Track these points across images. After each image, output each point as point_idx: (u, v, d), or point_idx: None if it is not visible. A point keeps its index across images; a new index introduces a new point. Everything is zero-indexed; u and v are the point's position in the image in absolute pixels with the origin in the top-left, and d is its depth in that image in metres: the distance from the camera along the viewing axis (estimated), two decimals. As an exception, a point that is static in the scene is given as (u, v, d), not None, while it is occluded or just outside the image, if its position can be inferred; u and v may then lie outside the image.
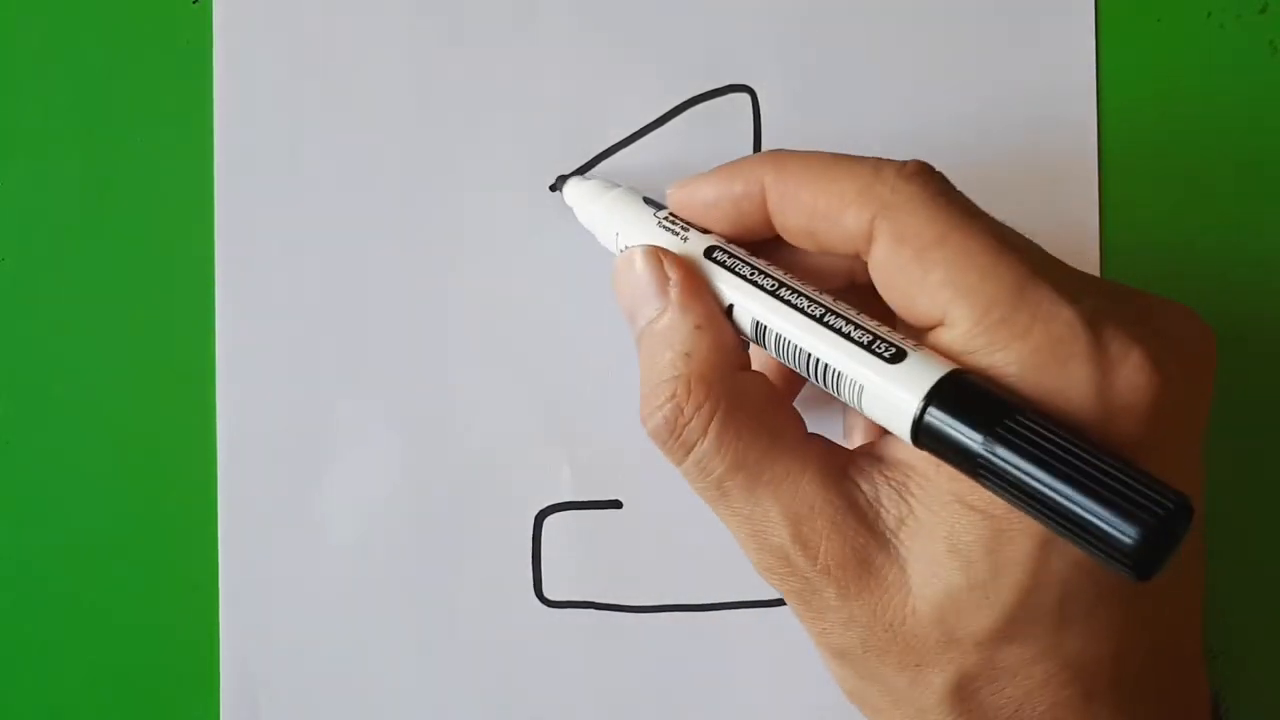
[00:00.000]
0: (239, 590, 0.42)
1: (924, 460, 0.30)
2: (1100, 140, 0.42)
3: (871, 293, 0.31)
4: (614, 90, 0.42)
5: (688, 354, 0.33)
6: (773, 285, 0.32)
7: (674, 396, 0.32)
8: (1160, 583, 0.25)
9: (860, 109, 0.42)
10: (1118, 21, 0.42)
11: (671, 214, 0.36)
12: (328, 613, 0.42)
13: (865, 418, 0.31)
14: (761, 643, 0.42)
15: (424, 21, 0.42)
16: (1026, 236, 0.31)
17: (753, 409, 0.32)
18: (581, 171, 0.42)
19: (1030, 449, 0.26)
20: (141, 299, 0.42)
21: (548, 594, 0.42)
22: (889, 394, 0.29)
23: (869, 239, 0.30)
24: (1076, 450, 0.26)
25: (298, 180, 0.42)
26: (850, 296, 0.32)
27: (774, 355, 0.33)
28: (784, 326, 0.32)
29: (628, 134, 0.42)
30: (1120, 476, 0.25)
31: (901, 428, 0.29)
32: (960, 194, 0.31)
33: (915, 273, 0.29)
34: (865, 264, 0.31)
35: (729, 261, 0.34)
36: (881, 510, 0.31)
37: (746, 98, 0.42)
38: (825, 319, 0.31)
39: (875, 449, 0.32)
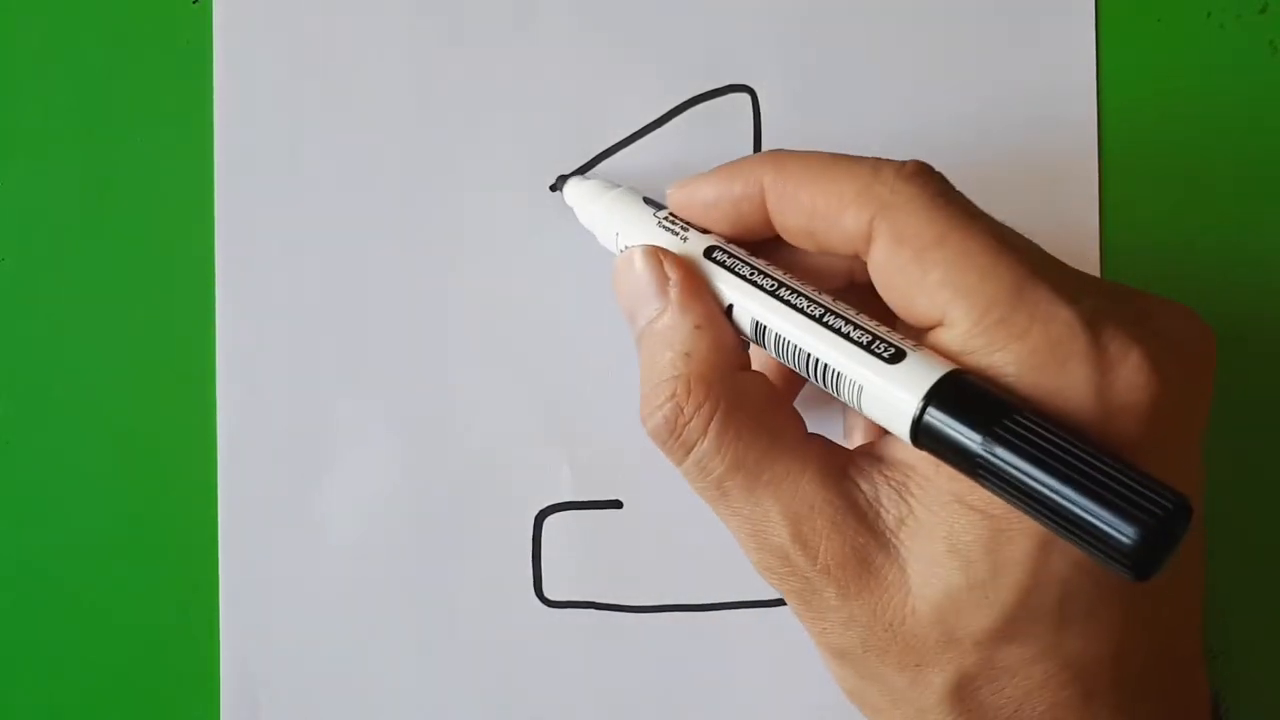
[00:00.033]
0: (239, 590, 0.42)
1: (924, 460, 0.30)
2: (1100, 140, 0.42)
3: (871, 293, 0.31)
4: (614, 90, 0.42)
5: (687, 354, 0.33)
6: (772, 285, 0.32)
7: (674, 396, 0.32)
8: (1160, 583, 0.26)
9: (860, 109, 0.42)
10: (1118, 21, 0.42)
11: (671, 214, 0.36)
12: (328, 613, 0.42)
13: (865, 418, 0.31)
14: (761, 643, 0.42)
15: (424, 21, 0.42)
16: (1026, 236, 0.31)
17: (752, 409, 0.32)
18: (581, 171, 0.42)
19: (1029, 449, 0.26)
20: (141, 299, 0.42)
21: (548, 594, 0.42)
22: (888, 394, 0.29)
23: (868, 239, 0.30)
24: (1075, 450, 0.26)
25: (298, 180, 0.42)
26: (850, 296, 0.32)
27: (773, 355, 0.33)
28: (783, 326, 0.32)
29: (628, 134, 0.42)
30: (1119, 477, 0.25)
31: (901, 428, 0.29)
32: (960, 194, 0.31)
33: (914, 273, 0.29)
34: (865, 264, 0.31)
35: (729, 261, 0.34)
36: (881, 510, 0.31)
37: (746, 98, 0.42)
38: (825, 319, 0.31)
39: (875, 449, 0.32)
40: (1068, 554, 0.28)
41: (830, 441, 0.33)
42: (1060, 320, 0.28)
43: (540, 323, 0.42)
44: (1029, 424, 0.26)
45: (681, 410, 0.32)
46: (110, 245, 0.42)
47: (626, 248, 0.36)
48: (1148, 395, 0.28)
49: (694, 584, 0.42)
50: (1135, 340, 0.28)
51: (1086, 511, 0.25)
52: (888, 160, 0.31)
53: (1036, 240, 0.31)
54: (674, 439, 0.32)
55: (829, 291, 0.32)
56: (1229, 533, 0.41)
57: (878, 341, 0.30)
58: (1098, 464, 0.26)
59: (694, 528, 0.41)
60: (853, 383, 0.30)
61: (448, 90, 0.42)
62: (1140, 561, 0.25)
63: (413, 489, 0.42)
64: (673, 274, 0.34)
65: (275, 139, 0.42)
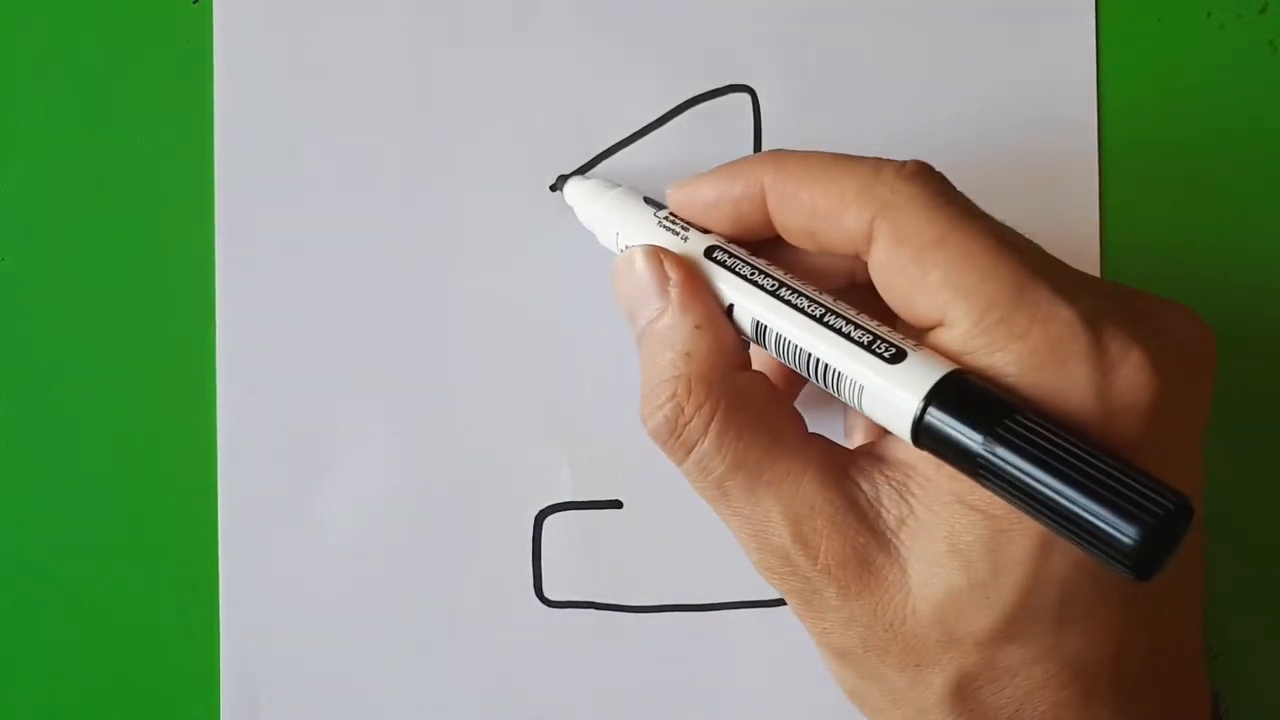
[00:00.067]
0: (239, 590, 0.42)
1: (924, 460, 0.30)
2: (1100, 140, 0.42)
3: (872, 292, 0.31)
4: (614, 90, 0.42)
5: (688, 354, 0.33)
6: (773, 285, 0.32)
7: (674, 396, 0.32)
8: (1160, 583, 0.26)
9: (860, 109, 0.42)
10: (1118, 21, 0.42)
11: (672, 214, 0.36)
12: (328, 613, 0.42)
13: (866, 417, 0.31)
14: (761, 643, 0.42)
15: (424, 21, 0.42)
16: (1026, 236, 0.31)
17: (753, 409, 0.32)
18: (581, 171, 0.42)
19: (1030, 449, 0.26)
20: (141, 299, 0.42)
21: (548, 594, 0.42)
22: (889, 394, 0.29)
23: (869, 239, 0.30)
24: (1076, 450, 0.26)
25: (298, 180, 0.42)
26: (850, 296, 0.32)
27: (774, 355, 0.33)
28: (784, 326, 0.32)
29: (628, 134, 0.42)
30: (1120, 477, 0.25)
31: (901, 428, 0.29)
32: (960, 194, 0.31)
33: (915, 273, 0.29)
34: (865, 264, 0.31)
35: (729, 261, 0.34)
36: (882, 510, 0.31)
37: (746, 98, 0.42)
38: (825, 319, 0.31)
39: (876, 449, 0.32)
40: (1068, 554, 0.28)
41: (831, 441, 0.33)
42: (1061, 320, 0.28)
43: (540, 323, 0.42)
44: (1030, 424, 0.26)
45: (682, 410, 0.32)
46: (110, 245, 0.42)
47: (627, 247, 0.36)
48: (1148, 395, 0.28)
49: (694, 584, 0.42)
50: (1136, 340, 0.28)
51: (1087, 511, 0.25)
52: (888, 160, 0.31)
53: (1036, 240, 0.31)
54: (674, 439, 0.32)
55: (830, 291, 0.32)
56: (1229, 533, 0.41)
57: (878, 341, 0.30)
58: (1098, 464, 0.26)
59: (694, 528, 0.41)
60: (853, 383, 0.30)
61: (448, 90, 0.42)
62: (1141, 561, 0.25)
63: (413, 489, 0.42)
64: (673, 274, 0.34)
65: (275, 139, 0.42)
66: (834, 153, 0.32)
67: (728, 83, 0.42)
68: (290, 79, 0.42)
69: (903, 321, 0.31)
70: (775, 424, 0.33)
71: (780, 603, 0.41)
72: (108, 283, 0.42)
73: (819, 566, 0.31)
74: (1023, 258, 0.29)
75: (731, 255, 0.34)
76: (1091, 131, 0.42)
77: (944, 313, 0.29)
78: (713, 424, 0.32)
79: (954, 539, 0.29)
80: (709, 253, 0.34)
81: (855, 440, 0.39)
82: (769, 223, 0.33)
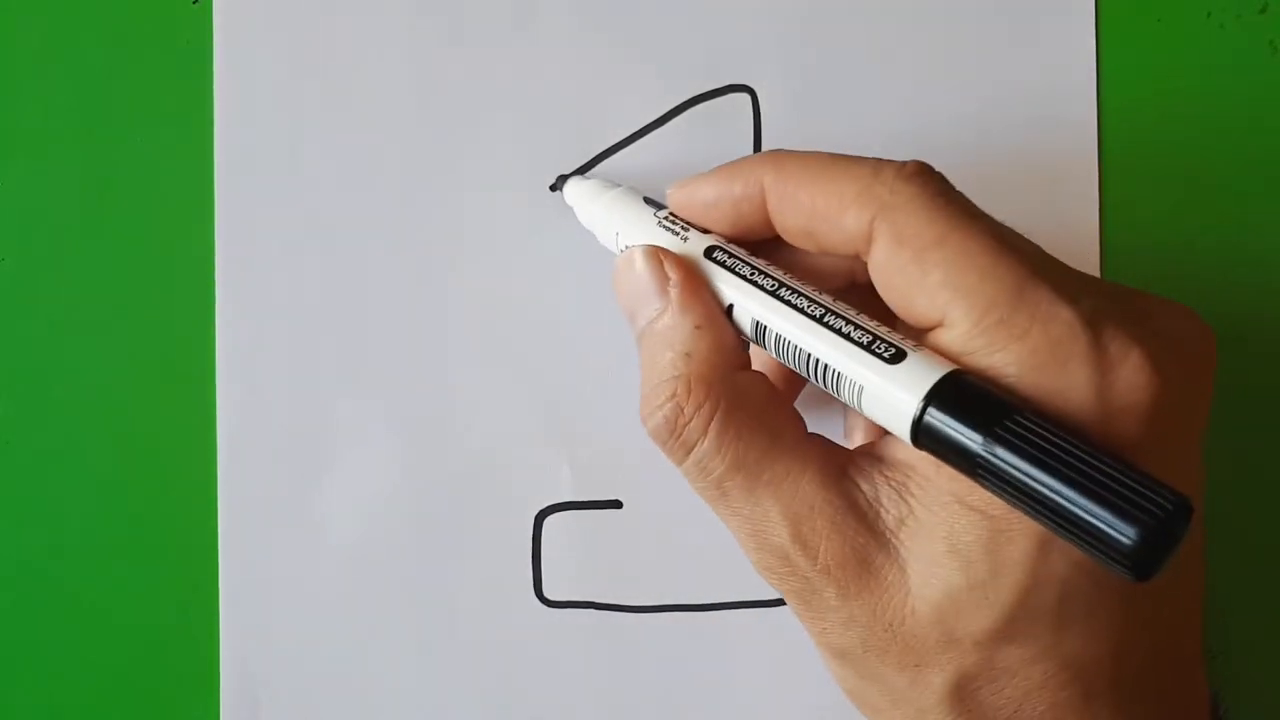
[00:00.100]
0: (239, 590, 0.42)
1: (924, 460, 0.30)
2: (1100, 140, 0.42)
3: (871, 293, 0.31)
4: (614, 90, 0.42)
5: (688, 354, 0.33)
6: (773, 285, 0.32)
7: (674, 396, 0.32)
8: (1160, 583, 0.26)
9: (860, 109, 0.42)
10: (1118, 21, 0.42)
11: (671, 214, 0.36)
12: (328, 613, 0.42)
13: (866, 418, 0.31)
14: (761, 643, 0.42)
15: (424, 21, 0.42)
16: (1026, 237, 0.31)
17: (753, 409, 0.32)
18: (581, 171, 0.42)
19: (1029, 449, 0.26)
20: (141, 299, 0.42)
21: (548, 594, 0.42)
22: (888, 394, 0.29)
23: (868, 240, 0.30)
24: (1075, 451, 0.26)
25: (298, 180, 0.42)
26: (850, 296, 0.32)
27: (774, 355, 0.33)
28: (784, 326, 0.32)
29: (628, 134, 0.42)
30: (1119, 477, 0.25)
31: (901, 428, 0.29)
32: (960, 194, 0.31)
33: (914, 273, 0.29)
34: (865, 264, 0.31)
35: (729, 261, 0.34)
36: (881, 510, 0.31)
37: (746, 98, 0.42)
38: (825, 319, 0.31)
39: (875, 449, 0.32)
40: (1067, 554, 0.28)
41: (830, 441, 0.33)
42: (1060, 320, 0.28)
43: (540, 323, 0.42)
44: (1029, 424, 0.26)
45: (682, 410, 0.32)
46: (110, 245, 0.42)
47: (627, 247, 0.36)
48: (1148, 395, 0.28)
49: (694, 584, 0.42)
50: (1135, 340, 0.28)
51: (1086, 512, 0.25)
52: (888, 161, 0.31)
53: (1036, 240, 0.31)
54: (674, 439, 0.32)
55: (829, 292, 0.32)
56: (1229, 533, 0.41)
57: (878, 342, 0.30)
58: (1098, 464, 0.26)
59: (694, 528, 0.41)
60: (853, 383, 0.30)
61: (448, 90, 0.42)
62: (1140, 562, 0.25)
63: (413, 489, 0.42)
64: (673, 274, 0.34)
65: (275, 139, 0.42)
66: (833, 153, 0.32)
67: (728, 83, 0.42)
68: (290, 79, 0.42)
69: (902, 322, 0.31)
70: (775, 424, 0.32)
71: (780, 603, 0.41)
72: (108, 283, 0.42)
73: (818, 567, 0.31)
74: (1022, 258, 0.29)
75: (731, 255, 0.34)
76: (1091, 131, 0.42)
77: (944, 313, 0.29)
78: (712, 424, 0.32)
79: (953, 539, 0.29)
80: (709, 253, 0.34)
81: (855, 440, 0.39)
82: (769, 223, 0.33)
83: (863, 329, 0.30)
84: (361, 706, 0.42)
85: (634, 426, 0.34)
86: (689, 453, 0.32)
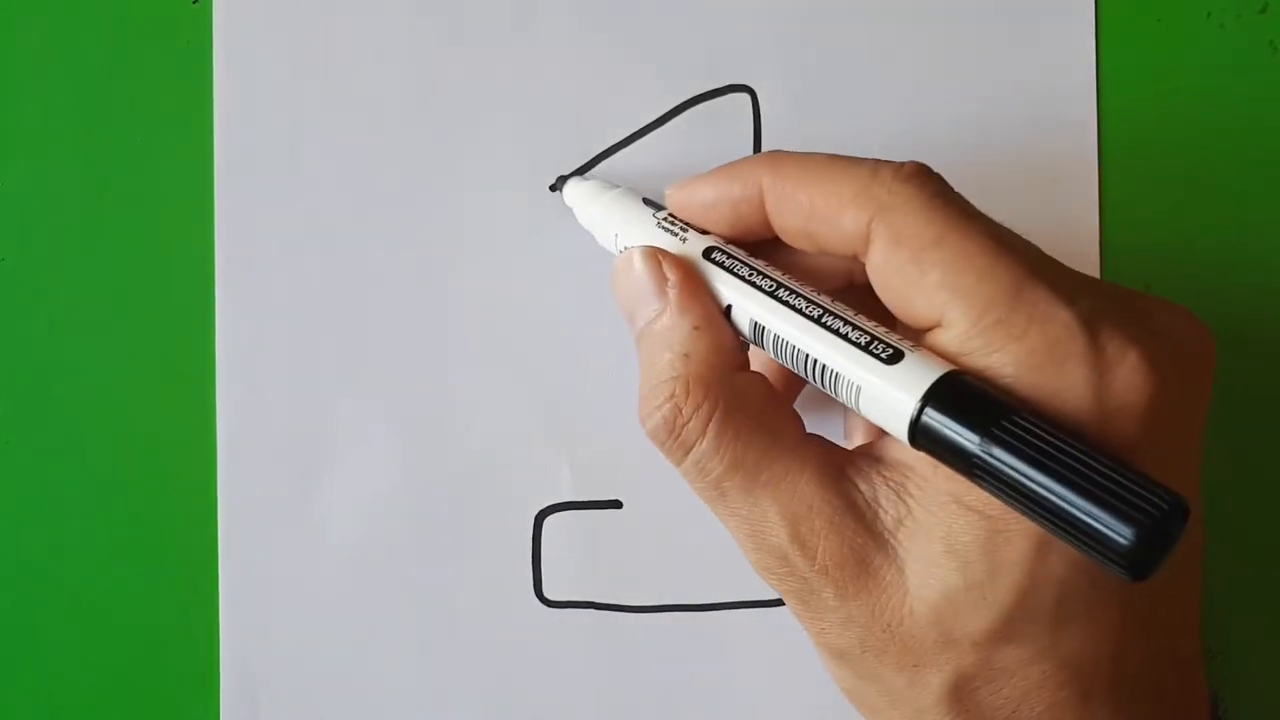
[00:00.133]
0: (239, 590, 0.42)
1: (922, 461, 0.30)
2: (1100, 140, 0.42)
3: (870, 293, 0.31)
4: (614, 90, 0.42)
5: (686, 355, 0.33)
6: (771, 286, 0.32)
7: (672, 397, 0.32)
8: (1157, 583, 0.26)
9: (860, 109, 0.42)
10: (1118, 21, 0.42)
11: (670, 215, 0.36)
12: (328, 613, 0.42)
13: (865, 418, 0.31)
14: (761, 643, 0.42)
15: (424, 21, 0.42)
16: (1025, 237, 0.31)
17: (751, 410, 0.32)
18: (581, 172, 0.42)
19: (1026, 450, 0.26)
20: (141, 299, 0.42)
21: (548, 594, 0.42)
22: (886, 395, 0.29)
23: (866, 240, 0.30)
24: (1072, 451, 0.26)
25: (298, 180, 0.42)
26: (849, 297, 0.32)
27: (772, 356, 0.33)
28: (782, 327, 0.32)
29: (628, 134, 0.42)
30: (1116, 477, 0.25)
31: (898, 428, 0.29)
32: (958, 195, 0.31)
33: (912, 274, 0.29)
34: (863, 265, 0.31)
35: (727, 262, 0.34)
36: (879, 510, 0.31)
37: (746, 98, 0.42)
38: (823, 320, 0.31)
39: (874, 449, 0.32)
40: (1065, 555, 0.28)
41: (829, 442, 0.33)
42: (1058, 321, 0.28)
43: (540, 323, 0.42)
44: (1026, 425, 0.26)
45: (680, 411, 0.32)
46: (110, 245, 0.42)
47: (626, 248, 0.36)
48: (1145, 396, 0.28)
49: (694, 584, 0.42)
50: (1133, 341, 0.28)
51: (1083, 512, 0.25)
52: (886, 161, 0.31)
53: (1036, 240, 0.31)
54: (673, 439, 0.32)
55: (828, 292, 0.32)
56: (1229, 533, 0.41)
57: (876, 342, 0.30)
58: (1095, 465, 0.26)
59: (694, 528, 0.41)
60: (851, 383, 0.30)
61: (448, 90, 0.42)
62: (1137, 562, 0.25)
63: (413, 489, 0.42)
64: (671, 275, 0.34)
65: (275, 139, 0.42)
66: (832, 154, 0.32)
67: (728, 83, 0.42)
68: (290, 79, 0.42)
69: (901, 322, 0.31)
70: (773, 425, 0.33)
71: (780, 603, 0.41)
72: (108, 283, 0.42)
73: (816, 567, 0.31)
74: (1020, 259, 0.29)
75: (730, 256, 0.34)
76: (1091, 131, 0.42)
77: (941, 313, 0.29)
78: (710, 425, 0.32)
79: (951, 539, 0.29)
80: (707, 254, 0.34)
81: (856, 441, 0.39)
82: (767, 224, 0.33)
83: (860, 329, 0.30)
84: (361, 706, 0.42)
85: (634, 426, 0.34)
86: (687, 453, 0.32)
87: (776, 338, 0.32)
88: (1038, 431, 0.26)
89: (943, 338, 0.29)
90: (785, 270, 0.33)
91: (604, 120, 0.42)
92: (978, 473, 0.27)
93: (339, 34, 0.42)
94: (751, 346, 0.34)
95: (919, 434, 0.28)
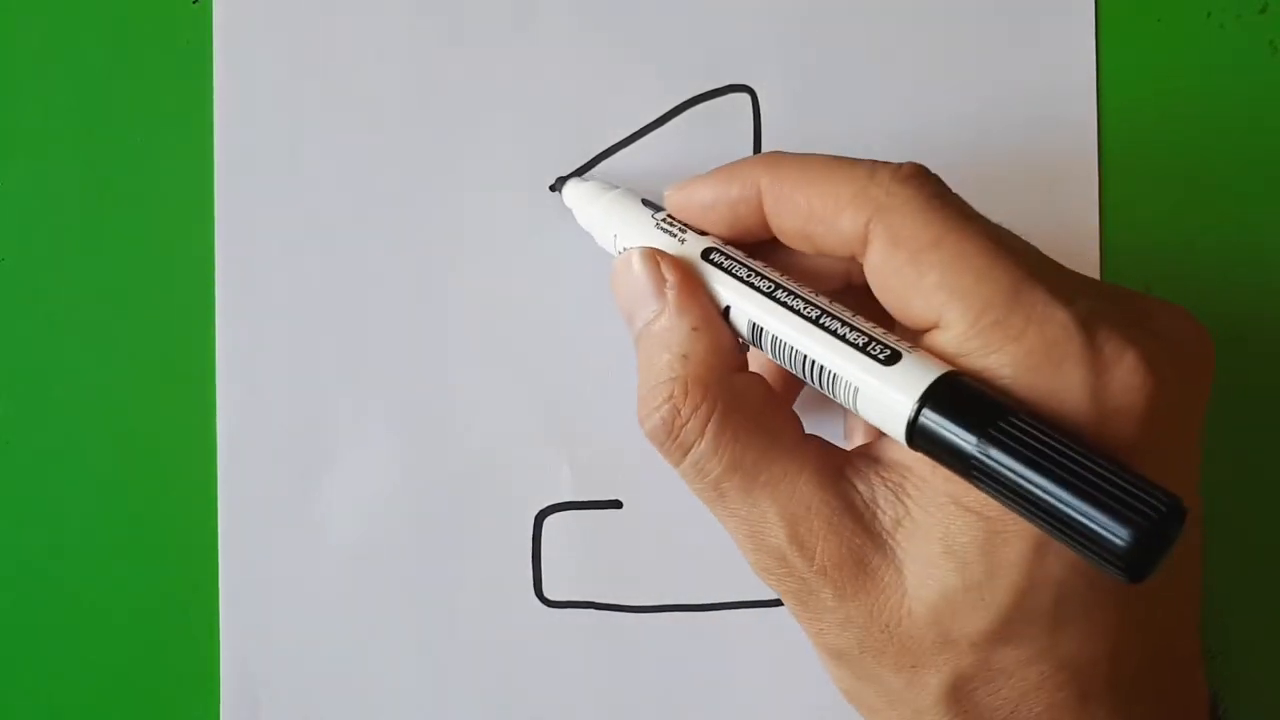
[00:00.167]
0: (239, 590, 0.42)
1: (920, 461, 0.30)
2: (1100, 140, 0.42)
3: (868, 294, 0.31)
4: (614, 90, 0.42)
5: (685, 355, 0.33)
6: (769, 287, 0.32)
7: (671, 398, 0.32)
8: (1155, 584, 0.25)
9: (860, 109, 0.42)
10: (1118, 21, 0.42)
11: (669, 216, 0.36)
12: (328, 613, 0.42)
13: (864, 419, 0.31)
14: (761, 643, 0.42)
15: (424, 21, 0.42)
16: (1025, 238, 0.31)
17: (750, 410, 0.32)
18: (581, 172, 0.42)
19: (1023, 451, 0.26)
20: (141, 299, 0.42)
21: (548, 594, 0.42)
22: (884, 396, 0.29)
23: (864, 242, 0.30)
24: (1070, 452, 0.26)
25: (298, 180, 0.42)
26: (847, 298, 0.32)
27: (770, 357, 0.33)
28: (780, 328, 0.32)
29: (628, 134, 0.42)
30: (1113, 478, 0.25)
31: (896, 429, 0.29)
32: (956, 196, 0.31)
33: (910, 275, 0.29)
34: (861, 266, 0.31)
35: (726, 263, 0.34)
36: (878, 511, 0.31)
37: (746, 98, 0.42)
38: (821, 321, 0.31)
39: (872, 450, 0.32)
40: (1063, 556, 0.28)
41: (827, 443, 0.33)
42: (1056, 322, 0.28)
43: (540, 323, 0.42)
44: (1024, 426, 0.26)
45: (679, 412, 0.32)
46: (110, 245, 0.42)
47: (625, 249, 0.36)
48: (1143, 397, 0.28)
49: (694, 584, 0.42)
50: (1131, 342, 0.28)
51: (1080, 513, 0.25)
52: (884, 163, 0.31)
53: (1036, 240, 0.31)
54: (671, 440, 0.32)
55: (826, 293, 0.32)
56: (1229, 533, 0.41)
57: (873, 343, 0.30)
58: (1092, 466, 0.26)
59: (694, 528, 0.41)
60: (848, 384, 0.30)
61: (448, 90, 0.42)
62: (1134, 563, 0.25)
63: (413, 489, 0.42)
64: (670, 276, 0.34)
65: (275, 139, 0.42)
66: (830, 155, 0.32)
67: (728, 83, 0.42)
68: (290, 79, 0.42)
69: (899, 323, 0.31)
70: (772, 425, 0.33)
71: (780, 602, 0.41)
72: (108, 283, 0.42)
73: (815, 567, 0.31)
74: (1018, 260, 0.29)
75: (728, 257, 0.34)
76: (1091, 131, 0.42)
77: (939, 315, 0.29)
78: (709, 426, 0.32)
79: (949, 540, 0.29)
80: (706, 255, 0.34)
81: (855, 441, 0.39)
82: (766, 225, 0.33)
83: (858, 330, 0.30)
84: (361, 706, 0.42)
85: (634, 427, 0.34)
86: (686, 454, 0.32)
87: (774, 338, 0.32)
88: (1035, 432, 0.26)
89: (940, 339, 0.29)
90: (783, 271, 0.33)
91: (604, 120, 0.42)
92: (975, 474, 0.27)
93: (339, 34, 0.42)
94: (750, 348, 0.34)
95: (916, 435, 0.28)
